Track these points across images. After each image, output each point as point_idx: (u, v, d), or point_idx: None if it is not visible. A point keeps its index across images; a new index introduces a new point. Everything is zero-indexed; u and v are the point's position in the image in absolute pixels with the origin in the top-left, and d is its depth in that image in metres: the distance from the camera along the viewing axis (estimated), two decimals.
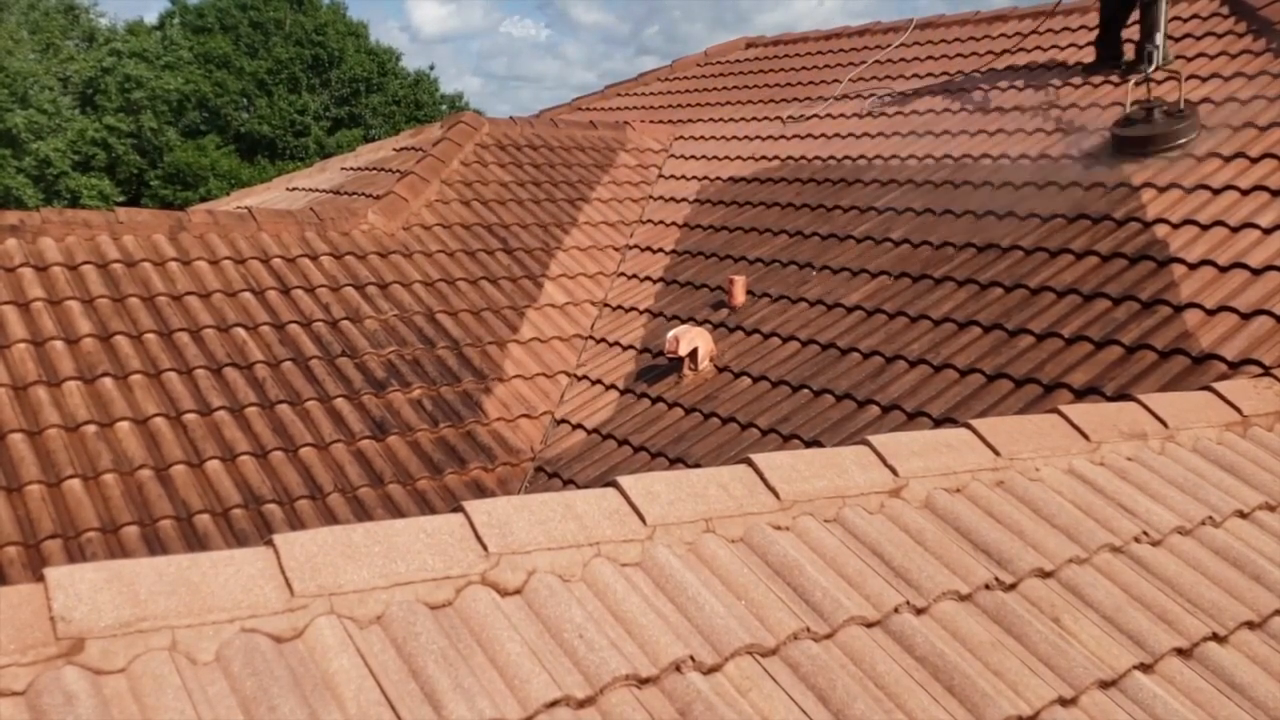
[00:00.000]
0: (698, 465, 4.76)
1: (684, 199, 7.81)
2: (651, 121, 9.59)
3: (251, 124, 30.92)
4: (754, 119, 8.74)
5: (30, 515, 4.33)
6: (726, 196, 7.53)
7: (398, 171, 7.69)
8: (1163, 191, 5.32)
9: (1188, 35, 6.77)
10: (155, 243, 5.96)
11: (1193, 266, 4.72)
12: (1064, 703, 2.18)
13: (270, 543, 1.99)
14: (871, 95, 7.96)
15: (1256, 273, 4.53)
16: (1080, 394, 4.23)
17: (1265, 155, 5.29)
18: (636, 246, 7.39)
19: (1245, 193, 5.08)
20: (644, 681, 1.97)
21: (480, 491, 5.22)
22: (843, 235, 6.32)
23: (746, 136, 8.45)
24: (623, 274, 7.10)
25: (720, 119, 9.09)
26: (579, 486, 5.05)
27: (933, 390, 4.65)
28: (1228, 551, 2.81)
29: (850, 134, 7.60)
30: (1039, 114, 6.66)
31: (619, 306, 6.68)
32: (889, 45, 8.93)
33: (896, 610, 2.30)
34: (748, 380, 5.39)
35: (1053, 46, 7.60)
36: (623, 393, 5.79)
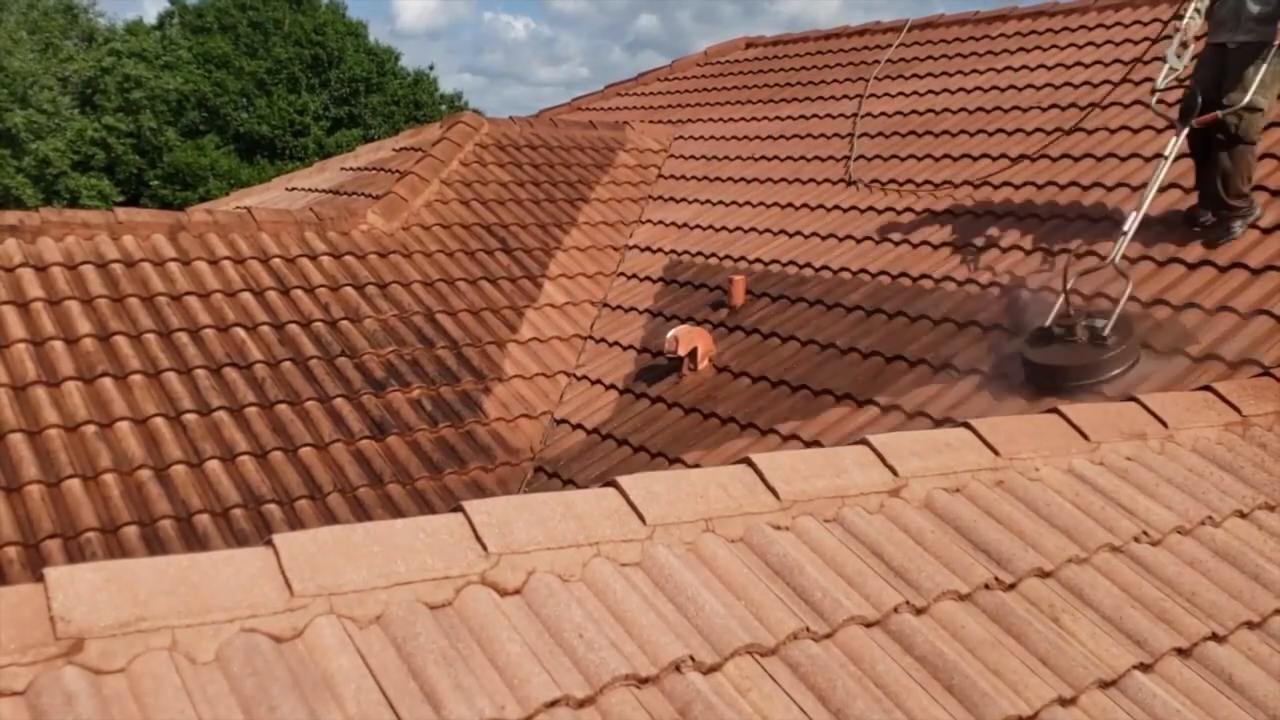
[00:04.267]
0: (698, 465, 4.76)
1: (683, 199, 7.81)
2: (651, 121, 9.59)
3: (251, 124, 30.91)
4: (754, 119, 8.75)
5: (30, 515, 4.32)
6: (726, 197, 7.53)
7: (397, 171, 7.68)
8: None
9: None
10: (154, 243, 5.96)
11: (1192, 266, 4.73)
12: (1064, 702, 2.18)
13: (270, 543, 1.99)
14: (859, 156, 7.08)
15: (1256, 273, 4.53)
16: None
17: (1265, 155, 5.28)
18: (636, 246, 7.39)
19: None
20: (644, 681, 1.97)
21: (480, 491, 5.22)
22: (842, 235, 6.32)
23: (746, 136, 8.45)
24: (623, 274, 7.10)
25: (720, 119, 9.10)
26: (579, 486, 5.04)
27: (932, 390, 4.65)
28: (1227, 551, 2.81)
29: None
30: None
31: (619, 306, 6.68)
32: (889, 45, 8.93)
33: (896, 610, 2.30)
34: (748, 380, 5.39)
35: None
36: (622, 393, 5.79)
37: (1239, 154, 4.77)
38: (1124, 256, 4.61)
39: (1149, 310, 4.60)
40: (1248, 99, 4.58)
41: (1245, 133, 4.72)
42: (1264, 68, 4.61)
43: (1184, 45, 4.80)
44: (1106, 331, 4.28)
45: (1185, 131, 4.78)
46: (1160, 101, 4.94)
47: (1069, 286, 4.51)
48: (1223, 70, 4.78)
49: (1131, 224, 4.61)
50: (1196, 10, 4.83)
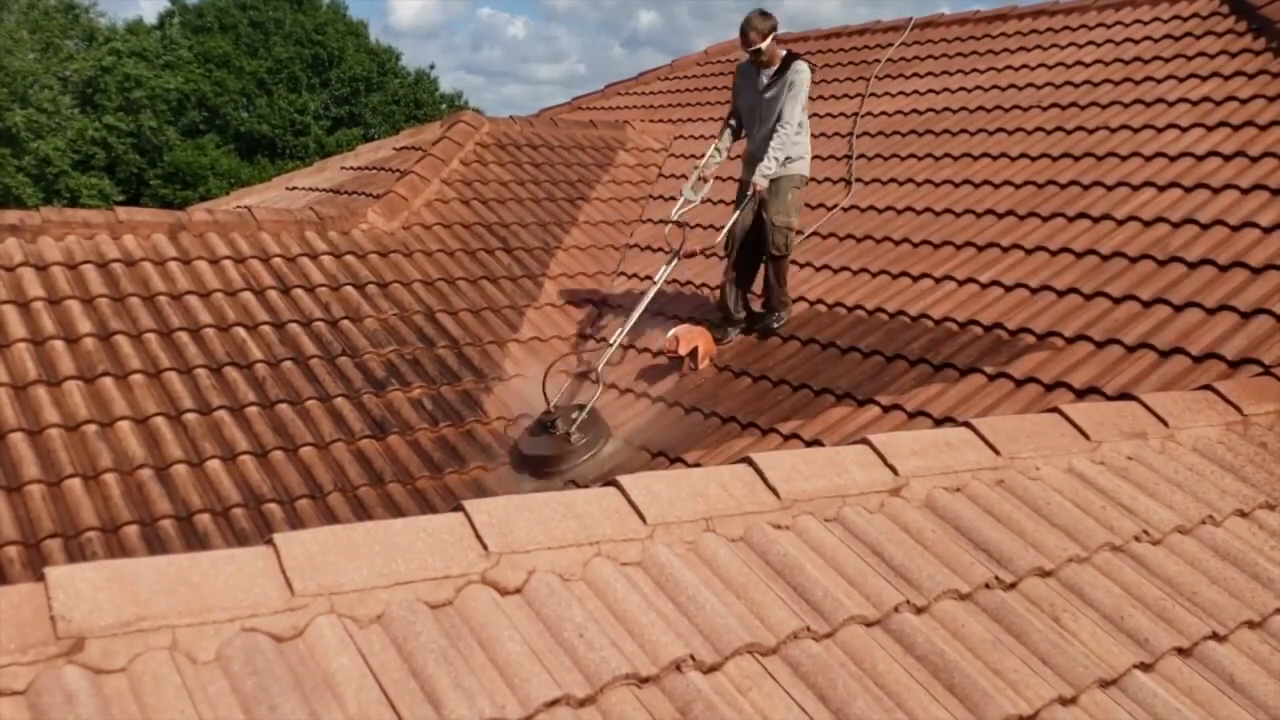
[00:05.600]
0: (698, 465, 4.76)
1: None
2: (651, 121, 9.58)
3: (251, 123, 30.91)
4: None
5: (30, 515, 4.32)
6: (726, 196, 7.52)
7: (397, 171, 7.68)
8: None
9: (1188, 35, 6.78)
10: (155, 242, 5.96)
11: (1192, 266, 4.73)
12: (1064, 702, 2.18)
13: (270, 542, 1.99)
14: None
15: (1256, 272, 4.53)
16: (1081, 393, 4.23)
17: (1265, 155, 5.29)
18: (636, 246, 7.39)
19: (1245, 192, 5.08)
20: (644, 681, 1.97)
21: (480, 491, 5.21)
22: (842, 235, 6.32)
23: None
24: (623, 274, 7.10)
25: (720, 118, 9.08)
26: (579, 486, 5.04)
27: (933, 390, 4.65)
28: (1228, 551, 2.81)
29: None
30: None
31: (619, 306, 6.67)
32: (889, 45, 8.92)
33: (896, 609, 2.30)
34: (748, 380, 5.38)
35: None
36: (623, 392, 5.78)
37: (778, 266, 5.57)
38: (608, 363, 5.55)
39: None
40: (775, 219, 5.45)
41: (782, 248, 5.53)
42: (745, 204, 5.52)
43: (702, 180, 5.68)
44: (574, 429, 5.14)
45: (673, 261, 5.76)
46: (676, 226, 5.78)
47: (548, 388, 5.34)
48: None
49: (617, 339, 5.63)
50: (717, 149, 5.71)
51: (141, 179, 29.21)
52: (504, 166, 7.88)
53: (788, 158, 5.46)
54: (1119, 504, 2.87)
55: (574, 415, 5.20)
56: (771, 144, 5.41)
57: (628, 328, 5.65)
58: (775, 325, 5.66)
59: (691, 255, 5.73)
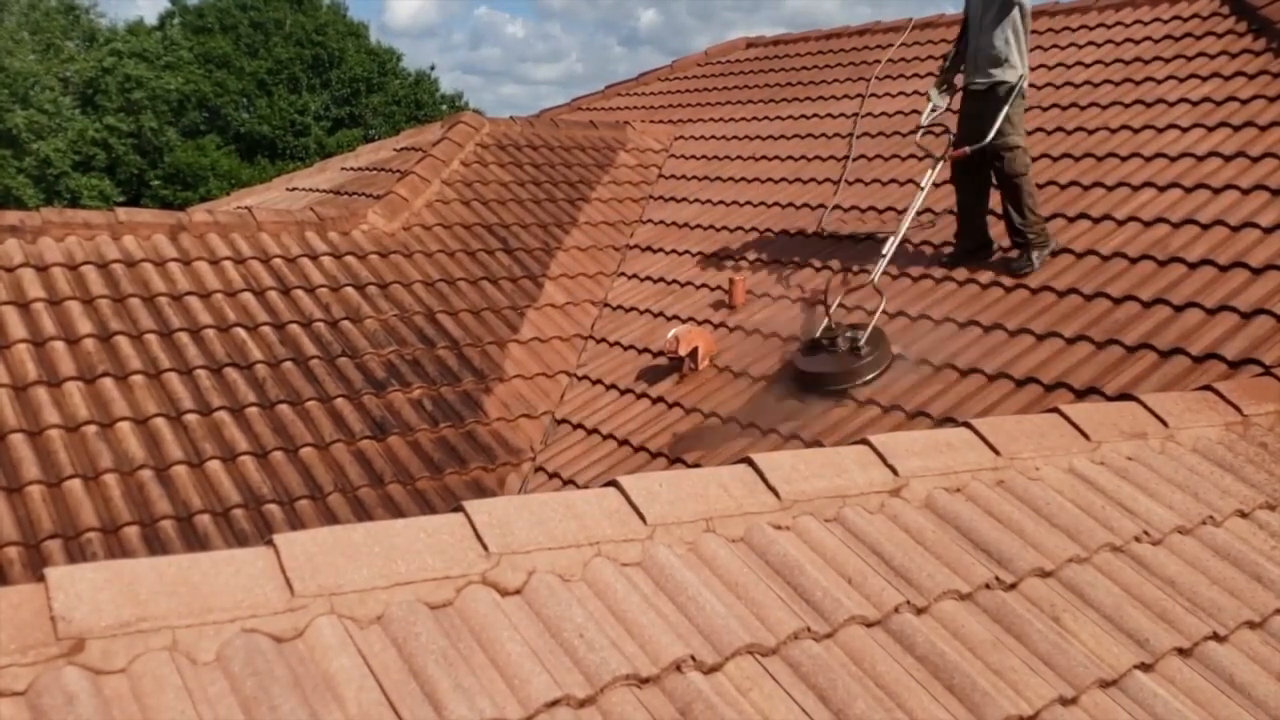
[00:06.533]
0: (698, 465, 4.76)
1: (684, 199, 7.81)
2: (651, 121, 9.59)
3: (251, 124, 30.93)
4: (754, 119, 8.75)
5: (30, 515, 4.32)
6: (727, 197, 7.53)
7: (398, 171, 7.69)
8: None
9: (1188, 35, 6.78)
10: (155, 243, 5.96)
11: (1193, 266, 4.72)
12: (1064, 702, 2.18)
13: (270, 543, 1.99)
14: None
15: (1256, 272, 4.53)
16: (1081, 394, 4.23)
17: (1265, 155, 5.29)
18: (636, 246, 7.39)
19: (1245, 192, 5.08)
20: (644, 681, 1.97)
21: (480, 491, 5.21)
22: (842, 235, 6.32)
23: (747, 136, 8.45)
24: (623, 274, 7.10)
25: (720, 119, 9.09)
26: (579, 486, 5.04)
27: (933, 390, 4.65)
28: (1228, 551, 2.81)
29: None
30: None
31: (619, 306, 6.67)
32: (889, 45, 8.93)
33: (897, 610, 2.30)
34: (748, 380, 5.38)
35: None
36: (623, 393, 5.79)
37: (1013, 190, 5.10)
38: (885, 273, 5.24)
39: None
40: (990, 139, 5.01)
41: (1011, 169, 5.07)
42: (1005, 109, 5.01)
43: (945, 84, 5.42)
44: (862, 343, 4.86)
45: (938, 164, 5.32)
46: (926, 134, 5.51)
47: (832, 303, 5.19)
48: (972, 111, 5.18)
49: (890, 247, 5.20)
50: (958, 52, 5.39)
51: (142, 180, 29.23)
52: (504, 167, 7.88)
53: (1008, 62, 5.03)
54: (1119, 504, 2.87)
55: (849, 334, 4.95)
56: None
57: (898, 239, 5.27)
58: (1024, 269, 5.10)
59: (961, 154, 5.22)
